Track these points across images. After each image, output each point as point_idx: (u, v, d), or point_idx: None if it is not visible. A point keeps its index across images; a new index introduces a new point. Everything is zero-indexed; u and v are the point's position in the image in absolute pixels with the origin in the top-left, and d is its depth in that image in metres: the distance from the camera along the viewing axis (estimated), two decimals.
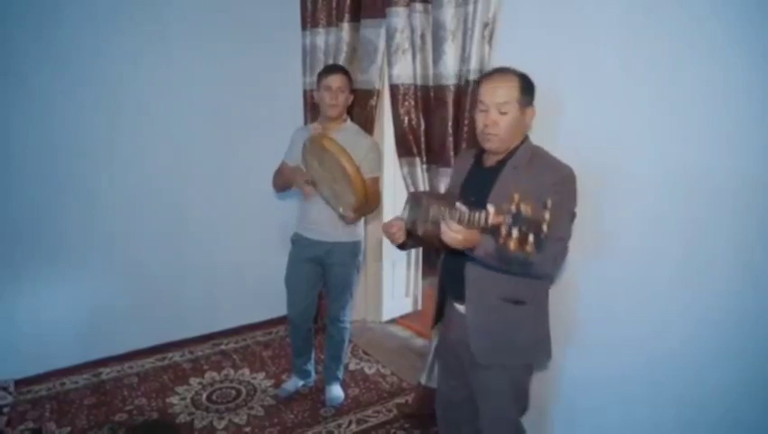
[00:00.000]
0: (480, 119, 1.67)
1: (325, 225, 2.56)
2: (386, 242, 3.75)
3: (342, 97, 2.50)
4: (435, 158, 2.48)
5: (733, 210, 1.58)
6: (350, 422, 2.67)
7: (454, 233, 1.43)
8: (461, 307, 1.77)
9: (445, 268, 1.85)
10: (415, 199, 1.83)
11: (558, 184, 1.56)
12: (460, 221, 1.40)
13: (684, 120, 1.66)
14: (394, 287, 3.91)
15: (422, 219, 1.69)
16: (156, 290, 3.29)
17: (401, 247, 1.89)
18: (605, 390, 1.96)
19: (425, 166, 2.55)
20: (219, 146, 3.34)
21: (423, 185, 2.56)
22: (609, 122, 1.85)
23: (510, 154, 1.68)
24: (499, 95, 1.61)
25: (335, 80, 2.47)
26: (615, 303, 1.89)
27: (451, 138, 2.37)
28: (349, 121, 2.63)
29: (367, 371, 3.18)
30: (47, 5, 2.71)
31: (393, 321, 3.89)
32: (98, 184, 3.01)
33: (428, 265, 4.18)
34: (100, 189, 3.02)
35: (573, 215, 1.61)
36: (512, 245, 1.18)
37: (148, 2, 2.97)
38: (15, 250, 2.84)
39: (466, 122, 2.28)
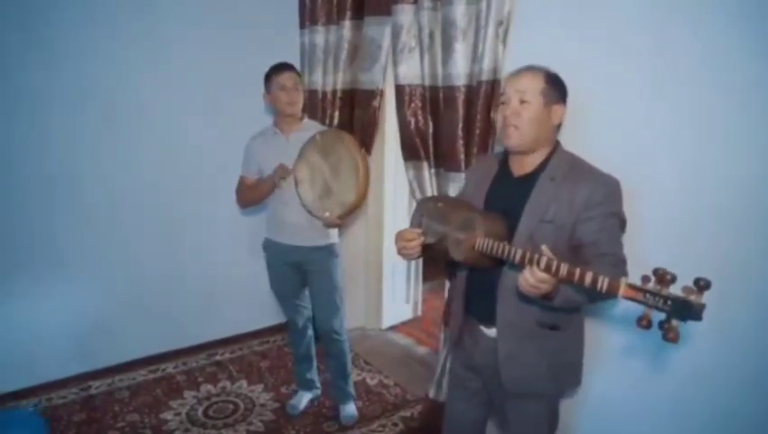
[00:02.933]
0: (500, 112, 1.55)
1: (300, 229, 2.42)
2: (385, 248, 3.66)
3: (297, 94, 2.41)
4: (443, 162, 2.37)
5: (762, 218, 1.49)
6: None
7: (537, 283, 1.24)
8: (489, 331, 1.62)
9: (471, 286, 1.69)
10: (438, 212, 1.67)
11: (609, 198, 1.43)
12: (548, 269, 1.21)
13: (709, 127, 1.57)
14: (394, 293, 3.81)
15: (455, 241, 1.55)
16: (148, 298, 3.15)
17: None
18: (630, 409, 1.87)
19: (433, 171, 2.44)
20: (214, 150, 3.20)
21: (431, 190, 2.45)
22: (630, 127, 1.76)
23: (544, 163, 1.54)
24: (521, 83, 1.50)
25: (289, 78, 2.38)
26: (635, 315, 1.79)
27: (461, 141, 2.26)
28: (306, 119, 2.54)
29: (369, 382, 3.06)
30: (38, 2, 2.57)
31: (393, 328, 3.79)
32: (89, 190, 2.87)
33: (430, 268, 4.08)
34: (91, 195, 2.88)
35: (625, 225, 1.48)
36: (670, 336, 1.04)
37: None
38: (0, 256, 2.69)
39: (478, 124, 2.18)
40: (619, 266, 1.36)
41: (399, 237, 1.68)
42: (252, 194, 2.53)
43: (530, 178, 1.54)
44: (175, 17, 2.96)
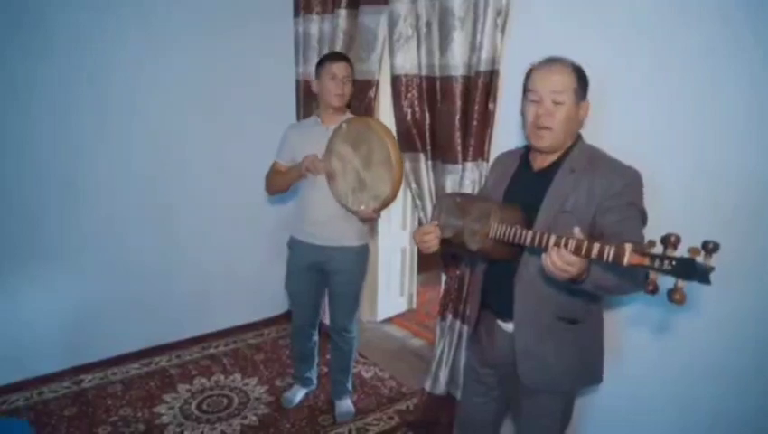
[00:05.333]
0: (531, 111, 1.49)
1: (329, 227, 2.36)
2: (380, 240, 3.63)
3: (348, 86, 2.33)
4: (441, 154, 2.34)
5: (765, 215, 1.48)
6: (350, 431, 2.54)
7: (566, 265, 1.18)
8: (506, 326, 1.61)
9: (489, 279, 1.67)
10: (456, 207, 1.67)
11: (629, 189, 1.41)
12: (578, 251, 1.16)
13: (719, 118, 1.55)
14: (389, 285, 3.79)
15: (471, 232, 1.55)
16: (141, 291, 3.11)
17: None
18: (634, 408, 1.86)
19: (430, 163, 2.41)
20: (208, 142, 3.16)
21: (427, 182, 2.42)
22: (636, 121, 1.73)
23: (564, 155, 1.52)
24: (554, 82, 1.44)
25: (341, 69, 2.29)
26: (643, 313, 1.79)
27: (459, 133, 2.24)
28: (349, 113, 2.46)
29: (364, 374, 3.05)
30: None
31: (388, 320, 3.78)
32: (83, 180, 2.81)
33: (424, 260, 4.07)
34: (84, 185, 2.83)
35: (645, 218, 1.45)
36: (675, 297, 1.01)
37: None
38: None
39: (476, 116, 2.15)
40: None
41: (418, 232, 1.71)
42: (279, 181, 2.43)
43: (550, 170, 1.52)
44: (168, 9, 2.90)
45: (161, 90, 2.95)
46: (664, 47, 1.64)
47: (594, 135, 1.64)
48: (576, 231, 1.19)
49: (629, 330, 1.82)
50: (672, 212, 1.63)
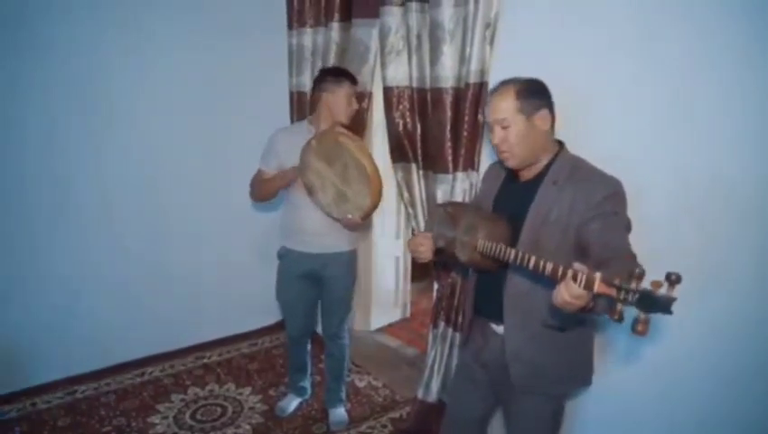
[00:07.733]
0: (491, 137, 1.57)
1: (322, 236, 2.39)
2: (374, 249, 3.66)
3: (356, 105, 2.42)
4: (431, 164, 2.38)
5: (747, 214, 1.52)
6: None
7: (573, 299, 1.16)
8: (498, 328, 1.65)
9: (481, 285, 1.72)
10: (448, 217, 1.71)
11: (611, 198, 1.43)
12: (536, 268, 1.23)
13: (697, 124, 1.59)
14: (383, 294, 3.81)
15: (461, 244, 1.61)
16: (134, 300, 3.12)
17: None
18: (620, 410, 1.89)
19: (421, 172, 2.44)
20: (202, 150, 3.19)
21: (419, 192, 2.46)
22: (619, 128, 1.77)
23: (547, 166, 1.56)
24: (495, 110, 1.51)
25: (354, 90, 2.38)
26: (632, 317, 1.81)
27: (449, 143, 2.27)
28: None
29: (358, 383, 3.06)
30: None
31: (382, 330, 3.79)
32: (75, 187, 2.83)
33: (418, 269, 4.09)
34: (76, 192, 2.84)
35: (629, 227, 1.47)
36: (638, 329, 1.03)
37: None
38: None
39: (466, 126, 2.19)
40: (634, 260, 1.29)
41: (411, 242, 1.78)
42: (265, 188, 2.44)
43: (535, 182, 1.56)
44: (163, 15, 2.93)
45: (154, 98, 2.97)
46: (647, 56, 1.67)
47: (579, 144, 1.68)
48: (577, 266, 1.17)
49: (618, 335, 1.85)
50: (659, 219, 1.67)
